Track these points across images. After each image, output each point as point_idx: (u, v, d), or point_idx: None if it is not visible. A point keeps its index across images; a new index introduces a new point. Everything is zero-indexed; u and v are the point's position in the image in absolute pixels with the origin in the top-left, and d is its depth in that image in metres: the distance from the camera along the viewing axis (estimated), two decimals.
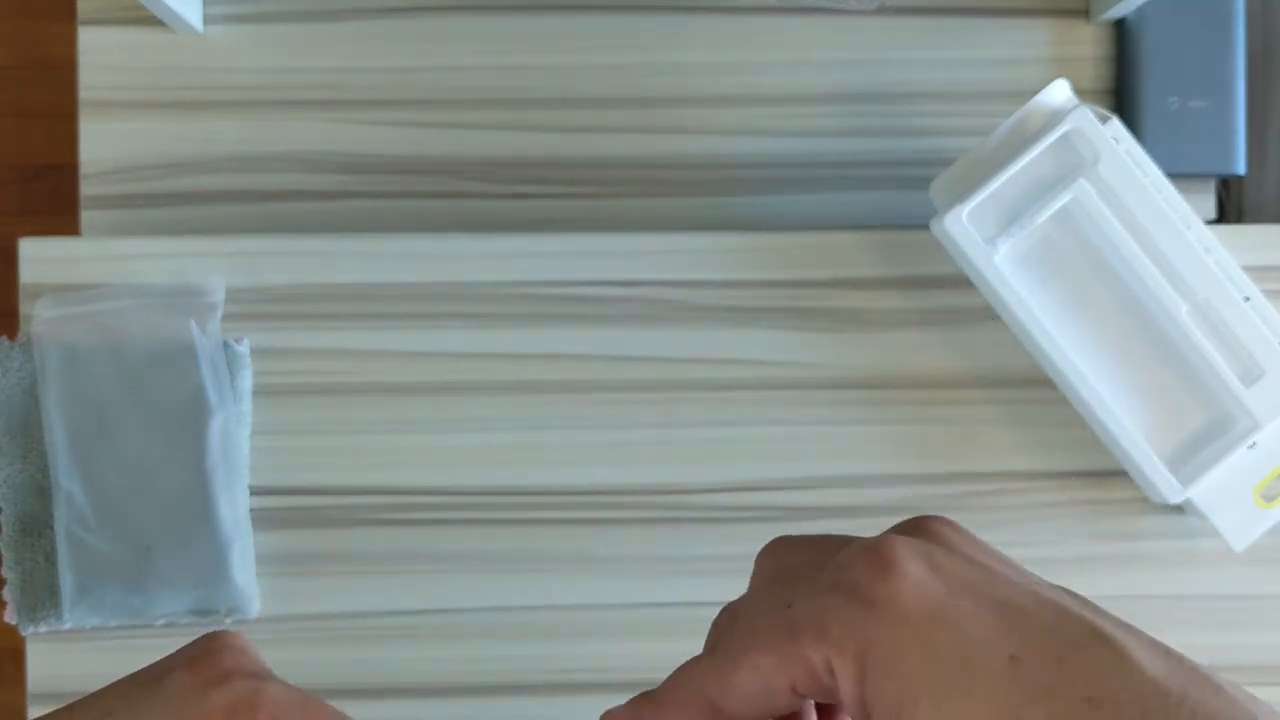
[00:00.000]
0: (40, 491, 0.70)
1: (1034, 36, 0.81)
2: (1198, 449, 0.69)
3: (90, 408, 0.69)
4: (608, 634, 0.72)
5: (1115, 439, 0.68)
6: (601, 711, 0.39)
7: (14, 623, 0.70)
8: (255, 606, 0.70)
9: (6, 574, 0.70)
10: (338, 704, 0.45)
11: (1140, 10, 0.78)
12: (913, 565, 0.35)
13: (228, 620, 0.70)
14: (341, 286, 0.71)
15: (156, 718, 0.37)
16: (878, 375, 0.72)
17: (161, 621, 0.70)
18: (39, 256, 0.71)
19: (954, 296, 0.72)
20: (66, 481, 0.69)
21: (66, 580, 0.69)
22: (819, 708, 0.41)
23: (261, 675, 0.38)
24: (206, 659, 0.38)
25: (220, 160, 0.80)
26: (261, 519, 0.71)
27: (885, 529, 0.39)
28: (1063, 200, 0.68)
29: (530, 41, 0.81)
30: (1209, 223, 0.73)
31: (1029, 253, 0.69)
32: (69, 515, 0.69)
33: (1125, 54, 0.80)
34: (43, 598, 0.69)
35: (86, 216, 0.79)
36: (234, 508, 0.69)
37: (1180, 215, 0.68)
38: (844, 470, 0.72)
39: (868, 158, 0.81)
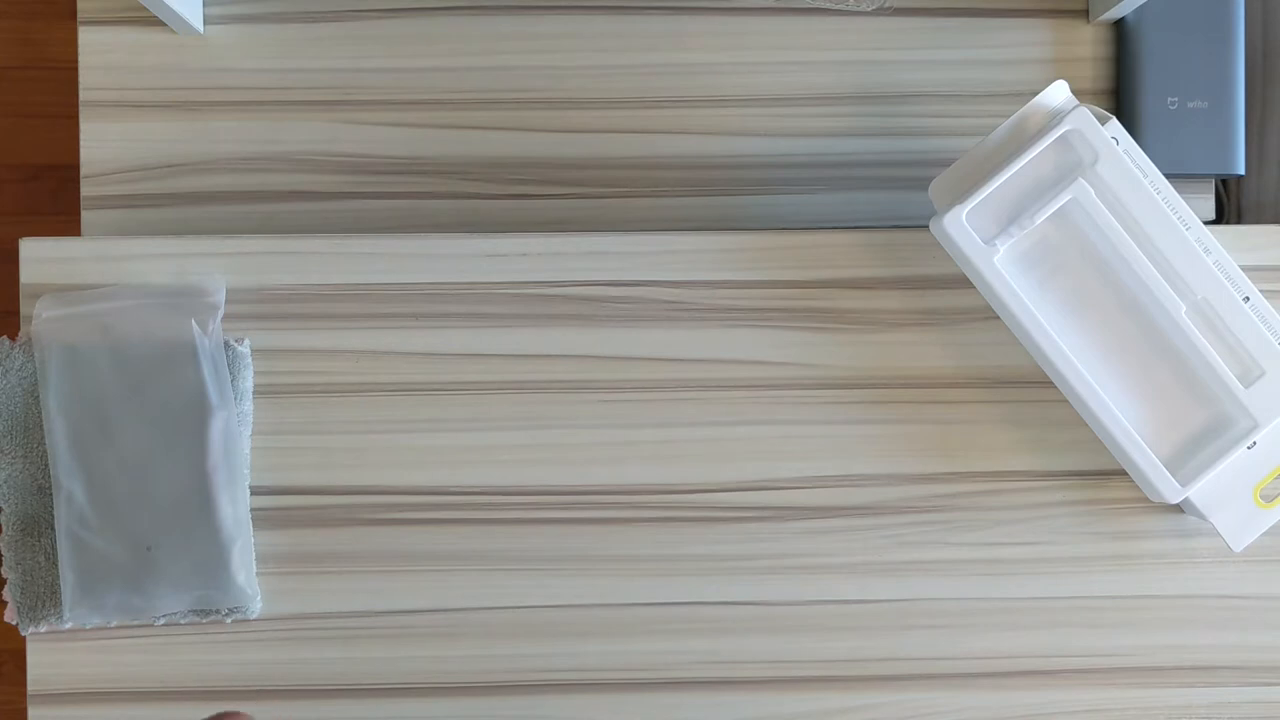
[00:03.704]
0: (41, 491, 0.70)
1: (1034, 36, 0.81)
2: (1197, 449, 0.69)
3: (91, 407, 0.69)
4: (608, 633, 0.72)
5: (1115, 439, 0.68)
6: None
7: (14, 622, 0.70)
8: (256, 606, 0.70)
9: (7, 574, 0.70)
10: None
11: (1140, 10, 0.78)
12: None
13: (228, 620, 0.70)
14: (341, 286, 0.72)
15: None
16: (878, 375, 0.72)
17: (162, 621, 0.70)
18: (39, 256, 0.71)
19: (954, 296, 0.72)
20: (67, 481, 0.69)
21: (67, 580, 0.69)
22: None
23: None
24: None
25: (220, 160, 0.80)
26: (261, 519, 0.71)
27: None
28: (1062, 200, 0.68)
29: (531, 41, 0.81)
30: (1208, 223, 0.73)
31: (1028, 253, 0.69)
32: (70, 515, 0.69)
33: (1125, 54, 0.80)
34: (43, 597, 0.69)
35: (86, 216, 0.79)
36: (235, 507, 0.69)
37: (1180, 215, 0.68)
38: (844, 470, 0.72)
39: (868, 158, 0.81)
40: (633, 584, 0.72)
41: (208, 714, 0.41)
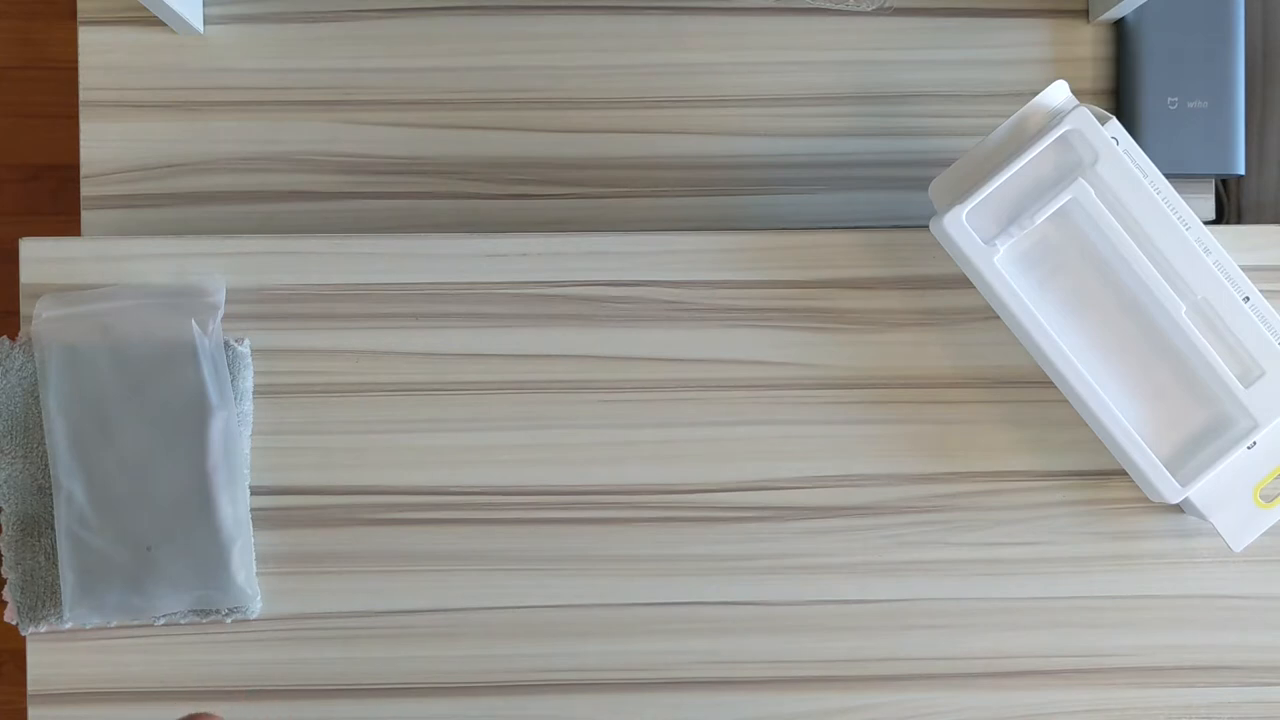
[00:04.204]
0: (41, 491, 0.70)
1: (1034, 36, 0.81)
2: (1197, 449, 0.69)
3: (91, 407, 0.69)
4: (608, 633, 0.72)
5: (1115, 439, 0.68)
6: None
7: (14, 622, 0.70)
8: (256, 606, 0.70)
9: (7, 574, 0.70)
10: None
11: (1140, 10, 0.78)
12: None
13: (228, 620, 0.70)
14: (341, 286, 0.72)
15: None
16: (878, 375, 0.72)
17: (162, 621, 0.70)
18: (39, 256, 0.71)
19: (954, 296, 0.72)
20: (67, 481, 0.69)
21: (67, 580, 0.69)
22: None
23: None
24: None
25: (220, 160, 0.80)
26: (261, 519, 0.71)
27: None
28: (1062, 200, 0.68)
29: (531, 41, 0.81)
30: (1208, 223, 0.73)
31: (1028, 253, 0.69)
32: (70, 515, 0.69)
33: (1125, 54, 0.80)
34: (43, 597, 0.69)
35: (86, 216, 0.79)
36: (235, 507, 0.69)
37: (1180, 215, 0.68)
38: (844, 470, 0.72)
39: (868, 158, 0.81)
40: (633, 584, 0.72)
41: (183, 714, 0.41)
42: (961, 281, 0.70)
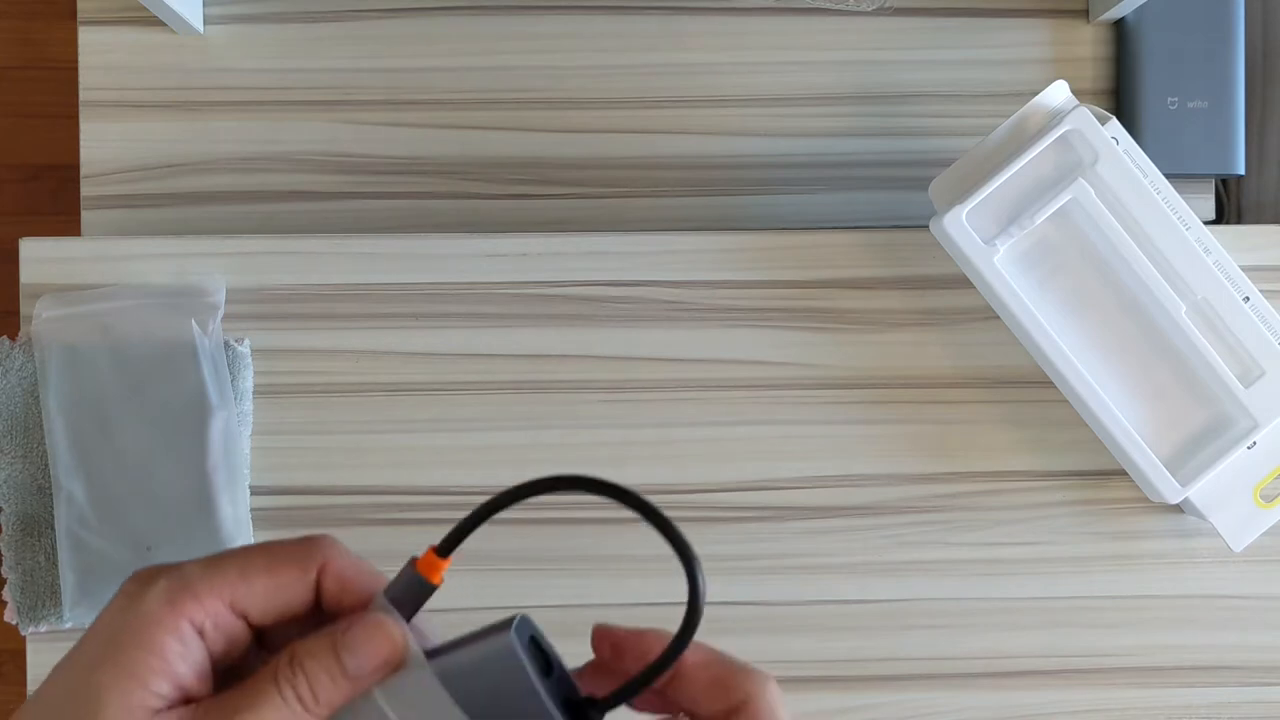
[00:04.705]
0: (41, 491, 0.70)
1: (1034, 36, 0.81)
2: (1197, 449, 0.69)
3: (91, 408, 0.69)
4: None
5: (1114, 439, 0.68)
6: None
7: (14, 622, 0.70)
8: None
9: (7, 574, 0.70)
10: None
11: (1140, 10, 0.78)
12: None
13: None
14: (341, 286, 0.72)
15: (107, 644, 0.38)
16: (878, 375, 0.72)
17: None
18: (39, 256, 0.71)
19: (954, 296, 0.72)
20: (67, 481, 0.69)
21: (67, 580, 0.69)
22: None
23: (179, 564, 0.39)
24: (130, 582, 0.39)
25: (220, 160, 0.80)
26: (261, 519, 0.71)
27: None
28: (1062, 200, 0.68)
29: (531, 41, 0.81)
30: (1208, 223, 0.73)
31: (1028, 253, 0.69)
32: (70, 515, 0.69)
33: (1125, 54, 0.80)
34: (43, 598, 0.69)
35: (87, 216, 0.79)
36: (235, 507, 0.69)
37: (1179, 215, 0.68)
38: (844, 470, 0.72)
39: (868, 158, 0.81)
40: (633, 584, 0.72)
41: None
42: (961, 281, 0.70)
